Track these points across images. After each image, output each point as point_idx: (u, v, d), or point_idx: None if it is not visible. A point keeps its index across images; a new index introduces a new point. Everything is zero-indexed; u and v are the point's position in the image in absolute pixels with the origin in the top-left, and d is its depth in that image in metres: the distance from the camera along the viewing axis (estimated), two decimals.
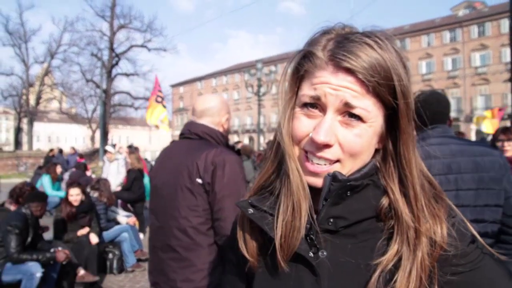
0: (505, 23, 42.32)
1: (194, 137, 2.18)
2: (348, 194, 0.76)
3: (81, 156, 16.70)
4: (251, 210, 0.83)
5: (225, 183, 1.96)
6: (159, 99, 9.66)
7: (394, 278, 0.72)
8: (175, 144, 2.30)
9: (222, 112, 2.24)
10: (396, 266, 0.73)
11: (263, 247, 0.84)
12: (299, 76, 0.79)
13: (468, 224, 0.80)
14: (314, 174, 0.76)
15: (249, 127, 66.59)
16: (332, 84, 0.72)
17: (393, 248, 0.74)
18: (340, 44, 0.73)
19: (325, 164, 0.76)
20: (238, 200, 2.05)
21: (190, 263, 1.99)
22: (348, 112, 0.73)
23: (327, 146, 0.73)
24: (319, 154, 0.75)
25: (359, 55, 0.70)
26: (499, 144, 3.71)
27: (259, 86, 19.34)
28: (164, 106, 9.66)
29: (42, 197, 5.08)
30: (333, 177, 0.74)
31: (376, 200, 0.78)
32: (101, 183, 6.66)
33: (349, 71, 0.71)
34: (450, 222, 0.76)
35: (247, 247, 0.86)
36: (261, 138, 23.22)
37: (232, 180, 1.98)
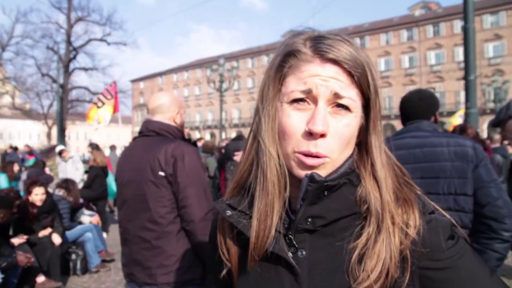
0: (457, 23, 44.35)
1: (152, 134, 2.32)
2: (325, 194, 0.77)
3: (30, 153, 15.47)
4: (229, 212, 0.83)
5: (186, 173, 2.14)
6: (100, 103, 9.55)
7: (364, 260, 0.74)
8: (135, 143, 2.43)
9: (172, 108, 2.38)
10: (368, 249, 0.75)
11: (243, 250, 0.84)
12: (282, 74, 0.80)
13: (446, 214, 0.82)
14: (311, 167, 0.76)
15: (211, 123, 66.28)
16: (321, 76, 0.75)
17: (366, 232, 0.76)
18: (318, 40, 0.77)
19: (318, 157, 0.76)
20: (200, 187, 2.16)
21: (162, 250, 2.15)
22: (336, 103, 0.76)
23: (322, 136, 0.75)
24: (314, 149, 0.75)
25: (339, 48, 0.75)
26: None
27: (221, 81, 19.26)
28: (98, 107, 9.51)
29: (7, 204, 4.73)
30: (311, 178, 0.75)
31: (354, 198, 0.79)
32: (69, 183, 6.42)
33: (335, 63, 0.75)
34: (427, 217, 0.79)
35: (229, 252, 0.86)
36: (223, 134, 23.14)
37: (193, 170, 2.16)
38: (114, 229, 9.52)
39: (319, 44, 0.76)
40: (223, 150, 7.81)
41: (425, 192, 2.08)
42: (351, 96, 0.76)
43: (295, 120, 0.77)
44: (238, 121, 64.32)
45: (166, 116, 2.36)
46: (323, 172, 0.77)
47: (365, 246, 0.76)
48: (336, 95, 0.75)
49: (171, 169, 2.13)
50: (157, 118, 2.36)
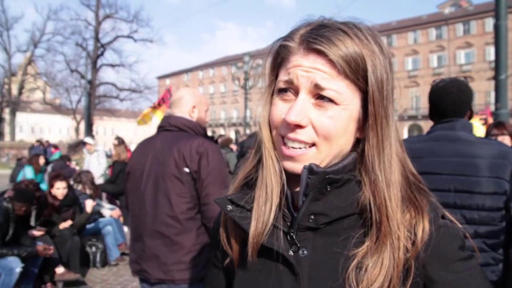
0: (489, 22, 42.90)
1: (174, 129, 2.32)
2: (328, 188, 0.74)
3: (55, 147, 15.99)
4: (229, 207, 0.82)
5: (210, 171, 2.16)
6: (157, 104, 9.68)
7: (365, 268, 0.71)
8: (156, 136, 2.40)
9: (190, 103, 2.39)
10: (368, 258, 0.72)
11: (243, 245, 0.83)
12: (276, 64, 0.80)
13: (458, 224, 0.78)
14: (290, 158, 0.75)
15: (235, 120, 66.58)
16: (303, 67, 0.73)
17: (368, 240, 0.72)
18: (313, 30, 0.74)
19: (299, 148, 0.74)
20: (222, 185, 2.15)
21: (181, 246, 2.15)
22: (320, 95, 0.73)
23: (299, 127, 0.73)
24: (293, 136, 0.73)
25: (330, 38, 0.71)
26: (492, 138, 3.60)
27: (246, 79, 19.25)
28: (155, 108, 9.64)
29: (28, 198, 4.83)
30: (309, 170, 0.72)
31: (357, 197, 0.75)
32: (82, 176, 6.51)
33: (320, 53, 0.72)
34: (438, 222, 0.75)
35: (230, 245, 0.86)
36: (247, 131, 23.17)
37: (216, 167, 2.19)
38: None
39: (309, 34, 0.73)
40: None
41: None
42: (336, 88, 0.72)
43: (279, 109, 0.76)
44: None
45: (182, 110, 2.38)
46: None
47: (366, 255, 0.72)
48: (317, 86, 0.72)
49: (196, 166, 2.15)
50: (176, 112, 2.37)
